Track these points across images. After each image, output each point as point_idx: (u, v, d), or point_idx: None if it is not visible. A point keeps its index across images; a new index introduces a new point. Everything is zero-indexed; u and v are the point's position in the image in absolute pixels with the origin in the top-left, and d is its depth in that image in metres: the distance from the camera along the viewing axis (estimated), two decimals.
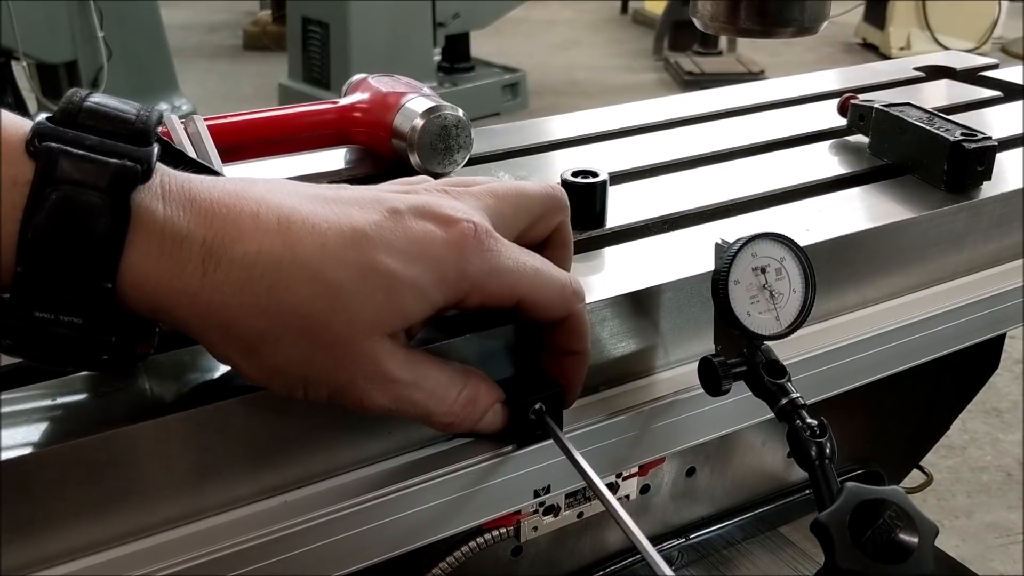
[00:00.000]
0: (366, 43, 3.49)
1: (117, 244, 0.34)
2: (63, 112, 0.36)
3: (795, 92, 0.87)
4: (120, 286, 0.35)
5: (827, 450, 0.44)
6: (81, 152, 0.35)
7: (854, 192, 0.65)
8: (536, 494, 0.49)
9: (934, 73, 0.94)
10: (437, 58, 3.89)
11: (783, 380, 0.46)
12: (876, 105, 0.70)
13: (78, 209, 0.34)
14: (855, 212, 0.62)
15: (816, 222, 0.59)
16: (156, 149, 0.37)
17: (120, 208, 0.34)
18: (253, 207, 0.37)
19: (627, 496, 0.63)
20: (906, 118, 0.67)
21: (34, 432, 0.39)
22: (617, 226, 0.59)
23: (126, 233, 0.35)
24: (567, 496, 0.60)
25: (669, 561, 0.56)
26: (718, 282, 0.47)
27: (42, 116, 0.36)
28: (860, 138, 0.73)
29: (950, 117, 0.66)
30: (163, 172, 0.37)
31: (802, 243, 0.49)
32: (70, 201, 0.34)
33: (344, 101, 0.66)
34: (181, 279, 0.35)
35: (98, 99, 0.37)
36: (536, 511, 0.59)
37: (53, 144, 0.34)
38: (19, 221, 0.34)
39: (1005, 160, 0.70)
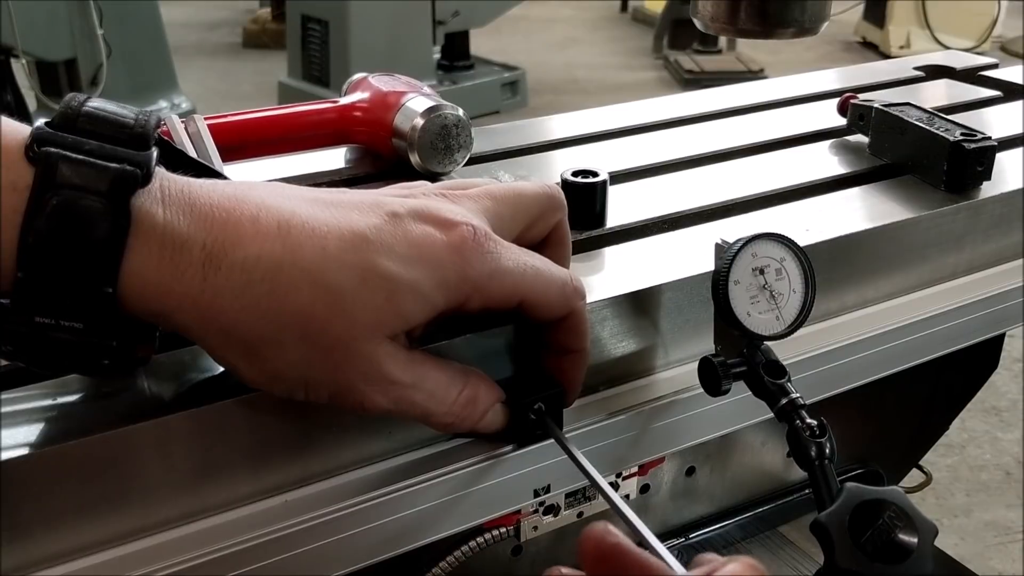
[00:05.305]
0: (365, 41, 3.48)
1: (117, 249, 0.34)
2: (62, 117, 0.36)
3: (795, 92, 0.87)
4: (120, 290, 0.35)
5: (827, 450, 0.44)
6: (80, 157, 0.35)
7: (854, 192, 0.65)
8: (536, 493, 0.49)
9: (934, 73, 0.94)
10: (436, 56, 3.89)
11: (783, 380, 0.46)
12: (876, 105, 0.70)
13: (78, 214, 0.34)
14: (855, 212, 0.62)
15: (816, 222, 0.59)
16: (155, 153, 0.37)
17: (120, 212, 0.34)
18: (253, 211, 0.37)
19: (627, 496, 0.63)
20: (906, 118, 0.67)
21: (34, 432, 0.39)
22: (617, 226, 0.59)
23: (126, 237, 0.35)
24: (567, 496, 0.60)
25: None
26: (718, 282, 0.47)
27: (41, 121, 0.36)
28: (860, 138, 0.73)
29: (950, 117, 0.66)
30: (163, 176, 0.37)
31: (802, 243, 0.49)
32: (70, 206, 0.34)
33: (344, 100, 0.66)
34: (181, 283, 0.35)
35: (97, 103, 0.37)
36: (536, 510, 0.59)
37: (52, 149, 0.34)
38: (19, 226, 0.34)
39: (1005, 160, 0.70)
